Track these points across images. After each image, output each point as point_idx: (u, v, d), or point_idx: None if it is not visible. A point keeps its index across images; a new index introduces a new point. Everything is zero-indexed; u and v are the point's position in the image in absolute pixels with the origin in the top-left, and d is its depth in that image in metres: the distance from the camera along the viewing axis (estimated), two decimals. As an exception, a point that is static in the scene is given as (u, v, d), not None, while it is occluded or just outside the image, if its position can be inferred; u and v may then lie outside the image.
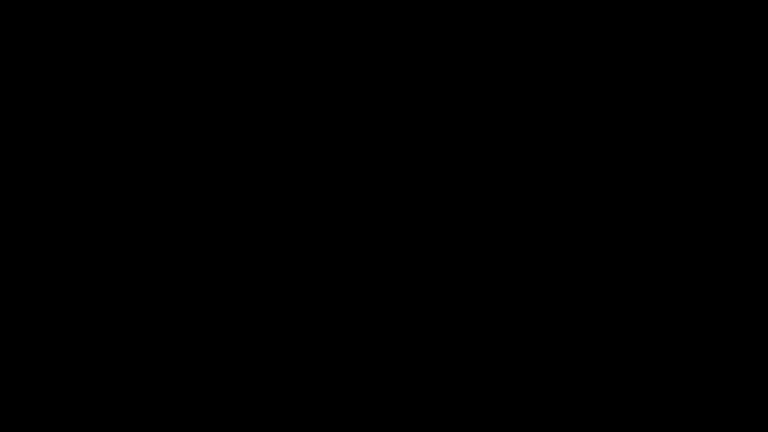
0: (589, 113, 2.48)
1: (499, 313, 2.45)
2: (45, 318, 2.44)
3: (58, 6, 2.49)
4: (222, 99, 2.50)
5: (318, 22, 2.50)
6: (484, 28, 2.50)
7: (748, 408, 2.40)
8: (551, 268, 2.46)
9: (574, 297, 2.45)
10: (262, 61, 2.50)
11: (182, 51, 2.49)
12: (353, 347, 2.45)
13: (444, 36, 2.50)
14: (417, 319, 2.46)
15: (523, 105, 2.49)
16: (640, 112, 2.48)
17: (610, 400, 2.42)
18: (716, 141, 2.47)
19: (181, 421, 2.43)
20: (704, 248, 2.45)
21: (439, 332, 2.45)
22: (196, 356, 2.45)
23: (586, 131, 2.48)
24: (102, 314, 2.45)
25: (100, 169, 2.48)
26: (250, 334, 2.45)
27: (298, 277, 2.46)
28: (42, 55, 2.49)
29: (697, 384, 2.42)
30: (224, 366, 2.45)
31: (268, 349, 2.45)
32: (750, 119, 2.47)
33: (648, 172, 2.46)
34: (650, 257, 2.45)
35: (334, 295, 2.46)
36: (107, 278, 2.46)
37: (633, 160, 2.47)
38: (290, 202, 2.48)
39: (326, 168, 2.49)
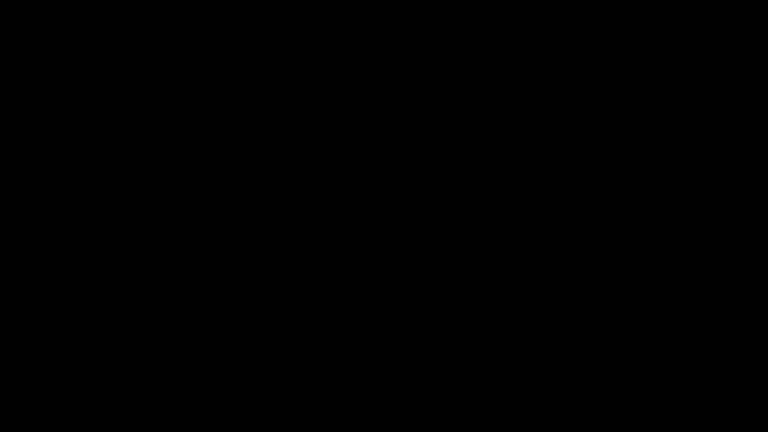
0: (589, 113, 2.48)
1: (499, 313, 2.46)
2: (45, 318, 2.45)
3: (58, 6, 2.49)
4: (222, 99, 2.50)
5: (318, 22, 2.51)
6: (484, 28, 2.50)
7: (748, 408, 2.41)
8: (551, 268, 2.46)
9: (574, 297, 2.46)
10: (262, 62, 2.50)
11: (182, 51, 2.50)
12: (353, 347, 2.46)
13: (444, 36, 2.50)
14: (417, 319, 2.46)
15: (522, 105, 2.49)
16: (640, 113, 2.48)
17: (610, 400, 2.43)
18: (716, 141, 2.47)
19: (181, 421, 2.43)
20: (704, 248, 2.45)
21: (439, 332, 2.46)
22: (196, 356, 2.45)
23: (586, 131, 2.48)
24: (102, 314, 2.45)
25: (100, 169, 2.48)
26: (250, 334, 2.46)
27: (298, 277, 2.47)
28: (42, 55, 2.49)
29: (697, 384, 2.42)
30: (224, 366, 2.45)
31: (268, 349, 2.45)
32: (750, 119, 2.47)
33: (648, 172, 2.47)
34: (650, 257, 2.45)
35: (334, 295, 2.47)
36: (107, 278, 2.46)
37: (633, 160, 2.47)
38: (290, 202, 2.48)
39: (326, 168, 2.49)
